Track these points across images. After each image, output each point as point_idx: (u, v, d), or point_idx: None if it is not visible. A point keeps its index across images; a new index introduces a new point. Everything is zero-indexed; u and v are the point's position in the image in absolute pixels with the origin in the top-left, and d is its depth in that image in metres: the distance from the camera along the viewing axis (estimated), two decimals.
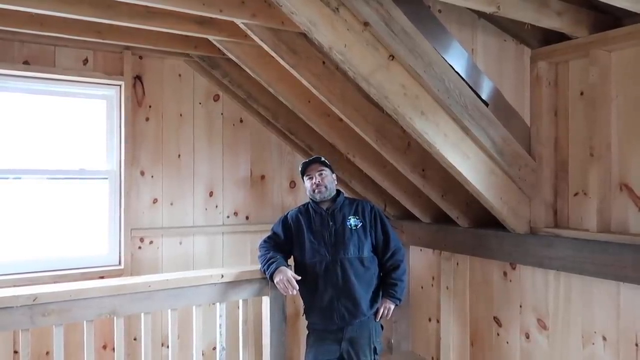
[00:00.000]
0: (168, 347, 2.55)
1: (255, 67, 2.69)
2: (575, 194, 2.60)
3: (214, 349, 3.35)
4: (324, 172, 2.63)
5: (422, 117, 2.29)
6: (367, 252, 2.59)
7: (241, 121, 3.51)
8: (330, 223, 2.58)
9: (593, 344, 2.49)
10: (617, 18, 2.40)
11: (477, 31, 2.46)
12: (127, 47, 3.08)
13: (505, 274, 2.94)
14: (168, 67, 3.32)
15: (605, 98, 2.41)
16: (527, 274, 2.81)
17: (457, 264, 3.25)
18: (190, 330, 2.56)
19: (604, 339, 2.45)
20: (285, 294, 2.48)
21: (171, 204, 3.36)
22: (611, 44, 2.35)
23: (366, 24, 2.05)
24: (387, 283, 2.69)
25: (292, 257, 2.74)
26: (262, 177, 3.58)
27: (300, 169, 2.71)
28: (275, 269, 2.45)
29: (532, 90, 2.69)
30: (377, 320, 2.67)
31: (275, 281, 2.45)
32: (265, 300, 2.48)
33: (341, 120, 2.89)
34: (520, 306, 2.86)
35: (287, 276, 2.42)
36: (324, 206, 2.66)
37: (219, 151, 3.48)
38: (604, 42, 2.36)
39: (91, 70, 3.09)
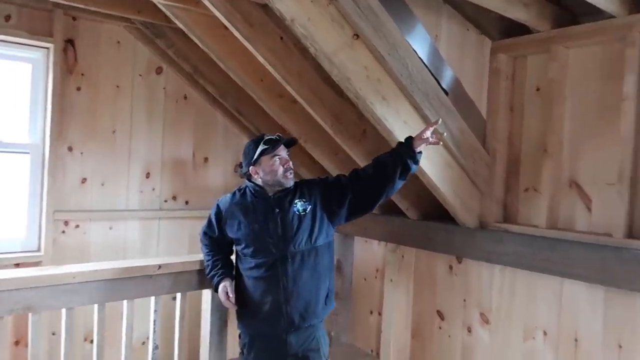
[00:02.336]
0: (92, 342, 2.28)
1: (205, 38, 2.47)
2: (526, 190, 2.62)
3: (143, 343, 3.11)
4: (288, 154, 2.22)
5: (383, 103, 2.19)
6: (321, 240, 2.17)
7: (185, 98, 3.27)
8: (276, 210, 2.13)
9: (534, 338, 2.53)
10: (575, 15, 2.41)
11: (442, 17, 2.39)
12: (58, 5, 2.74)
13: (451, 267, 2.93)
14: (106, 33, 3.01)
15: (560, 95, 2.43)
16: (472, 268, 2.81)
17: (403, 256, 3.21)
18: (117, 325, 2.30)
19: (545, 333, 2.48)
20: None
21: (102, 184, 3.07)
22: (570, 41, 2.36)
23: None
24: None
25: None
26: (206, 159, 3.36)
27: (261, 146, 2.12)
28: (218, 283, 2.17)
29: (490, 83, 2.67)
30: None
31: (218, 292, 2.21)
32: (206, 294, 2.25)
33: (295, 102, 2.74)
34: (464, 300, 2.86)
35: (227, 291, 2.15)
36: (270, 191, 2.19)
37: (159, 129, 3.22)
38: (565, 38, 2.37)
39: (14, 28, 2.73)
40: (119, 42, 3.03)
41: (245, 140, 3.39)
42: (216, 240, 2.28)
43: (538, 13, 2.32)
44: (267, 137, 2.13)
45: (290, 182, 2.16)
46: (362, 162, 2.74)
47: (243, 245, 2.15)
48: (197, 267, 2.21)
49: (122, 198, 3.10)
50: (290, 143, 2.20)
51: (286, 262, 2.08)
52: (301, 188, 2.22)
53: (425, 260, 3.09)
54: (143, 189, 3.16)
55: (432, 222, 2.95)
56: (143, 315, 2.36)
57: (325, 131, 2.69)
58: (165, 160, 3.22)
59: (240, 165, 2.30)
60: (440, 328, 3.00)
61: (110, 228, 3.05)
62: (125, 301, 2.02)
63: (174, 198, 3.26)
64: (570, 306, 2.39)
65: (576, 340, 2.37)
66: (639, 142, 2.17)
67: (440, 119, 2.21)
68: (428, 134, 2.13)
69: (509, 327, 2.63)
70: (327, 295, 2.22)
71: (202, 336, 2.23)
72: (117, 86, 3.05)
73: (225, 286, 2.15)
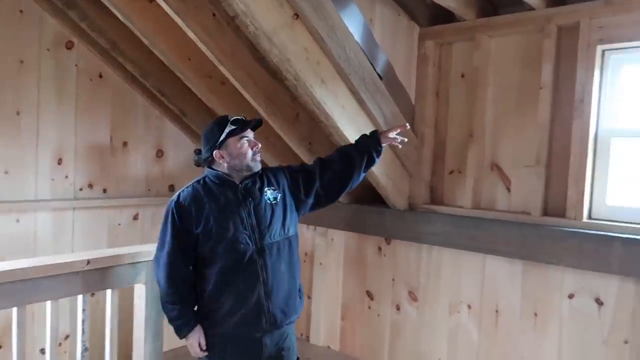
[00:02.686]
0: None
1: (127, 11, 2.27)
2: (451, 172, 2.75)
3: (60, 345, 2.87)
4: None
5: (322, 86, 2.17)
6: (292, 229, 2.05)
7: (100, 76, 3.00)
8: (249, 200, 1.95)
9: (459, 312, 2.68)
10: (496, 7, 2.55)
11: (376, 1, 2.40)
12: None
13: (380, 249, 3.01)
14: (6, 1, 2.66)
15: (484, 82, 2.56)
16: (401, 249, 2.91)
17: (332, 239, 3.24)
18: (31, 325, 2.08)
19: (469, 307, 2.64)
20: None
21: (6, 172, 2.74)
22: (493, 31, 2.49)
23: None
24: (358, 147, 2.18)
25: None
26: (125, 143, 3.12)
27: (228, 127, 1.92)
28: (188, 332, 1.93)
29: (418, 69, 2.75)
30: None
31: (187, 342, 1.97)
32: (140, 289, 2.08)
33: (224, 83, 2.63)
34: (393, 280, 2.96)
35: (198, 344, 1.94)
36: (237, 178, 1.98)
37: (71, 111, 2.93)
38: (488, 28, 2.50)
39: None
40: (21, 11, 2.70)
41: (167, 124, 3.22)
42: (181, 256, 1.92)
43: (465, 2, 2.41)
44: (233, 118, 1.94)
45: (258, 166, 2.00)
46: (295, 147, 2.71)
47: (214, 244, 1.89)
48: (129, 260, 2.01)
49: (31, 187, 2.79)
50: (258, 125, 2.01)
51: (264, 255, 1.92)
52: (267, 176, 2.06)
53: (354, 243, 3.15)
54: (54, 177, 2.87)
55: (363, 206, 3.01)
56: (61, 314, 2.16)
57: (256, 114, 2.62)
58: (79, 144, 2.94)
59: (198, 151, 2.05)
60: (369, 308, 3.08)
61: (17, 221, 2.74)
62: (49, 302, 1.80)
63: (90, 186, 3.00)
64: (492, 280, 2.56)
65: (497, 311, 2.55)
66: (554, 127, 2.35)
67: (409, 125, 2.28)
68: (394, 134, 2.19)
69: (436, 303, 2.77)
70: (299, 289, 2.12)
71: (136, 330, 2.07)
72: (21, 61, 2.73)
73: (198, 338, 1.93)
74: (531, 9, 2.33)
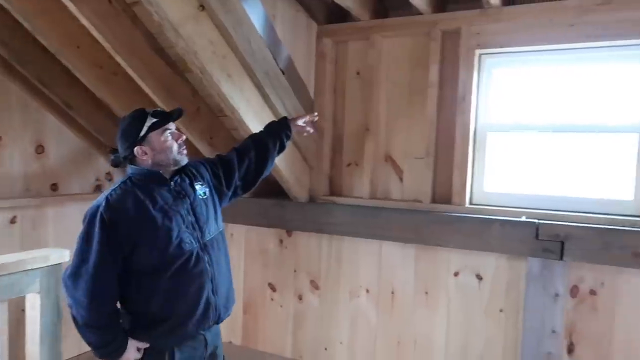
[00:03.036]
0: None
1: None
2: (348, 165, 2.89)
3: None
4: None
5: (228, 80, 2.16)
6: (221, 223, 2.01)
7: None
8: (184, 196, 1.84)
9: (358, 296, 2.85)
10: (387, 9, 2.73)
11: None
12: None
13: (281, 241, 3.07)
14: None
15: (377, 80, 2.73)
16: (302, 240, 3.00)
17: (232, 234, 3.23)
18: None
19: (367, 291, 2.82)
20: None
21: None
22: (386, 31, 2.67)
23: None
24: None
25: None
26: None
27: (148, 120, 1.77)
28: (122, 354, 1.73)
29: (317, 66, 2.84)
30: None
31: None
32: (33, 299, 1.86)
33: (116, 73, 2.48)
34: (295, 271, 3.04)
35: (136, 349, 1.76)
36: (166, 174, 1.84)
37: None
38: (382, 28, 2.67)
39: None
40: None
41: (50, 117, 2.93)
42: (109, 282, 1.69)
43: (361, 3, 2.55)
44: (152, 110, 1.80)
45: (185, 159, 1.86)
46: (195, 141, 2.65)
47: (162, 249, 1.73)
48: (21, 268, 1.79)
49: None
50: (180, 115, 1.86)
51: (208, 251, 1.84)
52: (191, 170, 1.95)
53: (255, 237, 3.17)
54: None
55: (263, 199, 3.03)
56: None
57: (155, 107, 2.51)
58: None
59: (113, 150, 1.89)
60: (272, 300, 3.13)
61: None
62: None
63: None
64: (388, 264, 2.76)
65: (393, 292, 2.75)
66: (440, 122, 2.59)
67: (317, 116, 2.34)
68: (302, 122, 2.24)
69: (337, 290, 2.91)
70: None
71: (29, 345, 1.86)
72: None
73: (135, 349, 1.75)
74: (419, 13, 2.54)
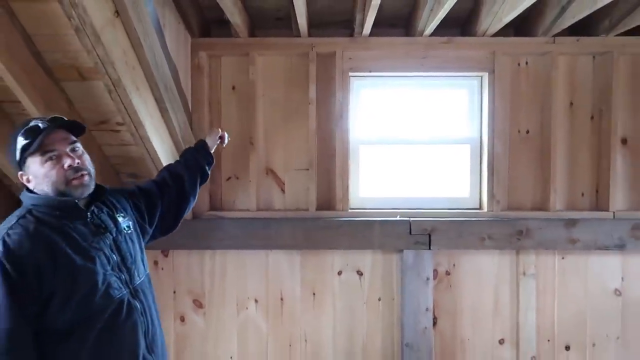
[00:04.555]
0: None
1: None
2: (228, 179, 2.90)
3: None
4: (76, 145, 1.53)
5: (137, 93, 1.99)
6: (147, 263, 1.72)
7: None
8: (104, 231, 1.52)
9: (247, 308, 2.88)
10: (268, 28, 2.84)
11: (166, 6, 2.32)
12: None
13: (156, 263, 2.89)
14: None
15: (255, 96, 2.83)
16: (181, 259, 2.88)
17: None
18: None
19: (256, 301, 2.88)
20: None
21: None
22: (264, 50, 2.79)
23: None
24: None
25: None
26: None
27: (21, 142, 1.43)
28: None
29: (193, 79, 2.78)
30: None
31: None
32: None
33: None
34: (174, 292, 2.89)
35: None
36: (80, 205, 1.51)
37: None
38: (260, 46, 2.78)
39: None
40: None
41: None
42: (28, 348, 1.31)
43: (242, 20, 2.61)
44: (27, 126, 1.43)
45: (84, 190, 1.50)
46: None
47: (84, 299, 1.38)
48: None
49: None
50: (67, 126, 1.50)
51: (139, 297, 1.53)
52: (108, 199, 1.65)
53: None
54: None
55: None
56: None
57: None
58: None
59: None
60: None
61: None
62: None
63: None
64: (275, 272, 2.87)
65: (282, 299, 2.88)
66: (320, 136, 2.84)
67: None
68: (216, 138, 2.26)
69: (223, 306, 2.88)
70: None
71: None
72: None
73: None
74: (298, 35, 2.74)
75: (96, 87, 2.03)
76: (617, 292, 2.85)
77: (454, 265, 2.86)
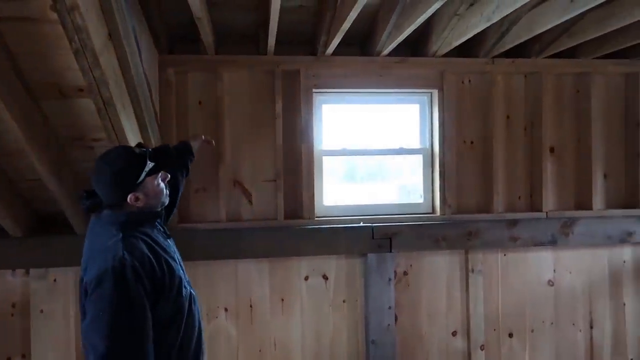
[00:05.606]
0: None
1: None
2: (196, 191, 2.96)
3: None
4: None
5: (124, 111, 2.04)
6: None
7: None
8: (170, 236, 1.84)
9: (217, 317, 2.96)
10: (237, 45, 2.94)
11: (140, 23, 2.36)
12: None
13: None
14: None
15: (223, 111, 2.93)
16: None
17: (55, 280, 2.83)
18: None
19: (226, 310, 2.97)
20: None
21: None
22: (232, 66, 2.90)
23: None
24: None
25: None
26: None
27: (147, 165, 1.65)
28: None
29: (161, 95, 2.82)
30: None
31: None
32: None
33: None
34: None
35: None
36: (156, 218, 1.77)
37: None
38: (227, 63, 2.89)
39: None
40: None
41: None
42: (151, 352, 1.50)
43: (209, 40, 2.68)
44: (143, 151, 1.66)
45: (164, 203, 1.79)
46: (46, 177, 2.29)
47: (176, 294, 1.62)
48: None
49: None
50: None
51: (192, 292, 1.81)
52: None
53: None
54: None
55: None
56: None
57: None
58: None
59: (89, 194, 1.67)
60: None
61: None
62: None
63: None
64: (244, 280, 2.98)
65: (251, 306, 2.99)
66: (286, 149, 2.98)
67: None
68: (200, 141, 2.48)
69: None
70: None
71: None
72: None
73: None
74: (264, 53, 2.87)
75: (78, 105, 2.05)
76: (551, 283, 3.24)
77: (411, 265, 3.11)
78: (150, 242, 1.62)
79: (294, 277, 3.02)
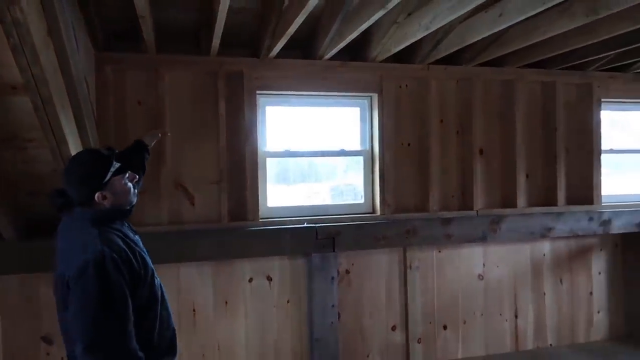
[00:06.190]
0: None
1: None
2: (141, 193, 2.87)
3: None
4: None
5: (63, 111, 1.95)
6: None
7: None
8: (136, 232, 1.90)
9: None
10: (177, 44, 2.88)
11: (76, 20, 2.26)
12: None
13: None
14: None
15: (163, 111, 2.86)
16: None
17: None
18: None
19: None
20: None
21: None
22: (173, 66, 2.85)
23: None
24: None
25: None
26: None
27: (114, 165, 1.68)
28: None
29: (98, 94, 2.72)
30: None
31: None
32: None
33: None
34: None
35: None
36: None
37: None
38: (168, 63, 2.84)
39: None
40: None
41: None
42: (133, 338, 1.57)
43: (150, 38, 2.62)
44: (109, 152, 1.70)
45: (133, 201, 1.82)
46: None
47: (151, 281, 1.70)
48: None
49: None
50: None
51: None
52: None
53: (18, 286, 2.70)
54: None
55: (34, 241, 2.63)
56: None
57: None
58: None
59: (60, 193, 1.70)
60: (48, 354, 2.75)
61: None
62: None
63: None
64: (187, 285, 2.93)
65: (194, 311, 2.94)
66: (230, 151, 2.97)
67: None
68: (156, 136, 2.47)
69: None
70: None
71: None
72: None
73: None
74: (207, 54, 2.85)
75: (11, 104, 1.94)
76: (480, 277, 3.46)
77: (352, 264, 3.20)
78: (123, 237, 1.69)
79: (238, 279, 3.01)
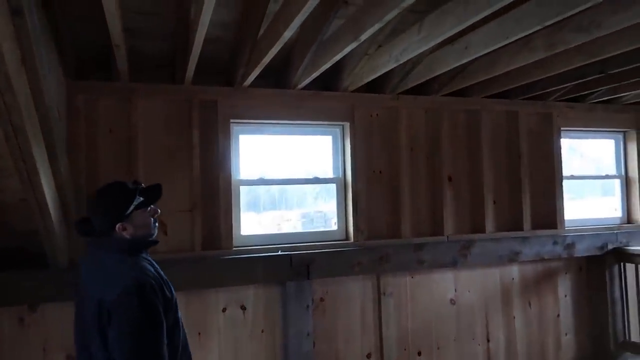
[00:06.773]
0: None
1: None
2: None
3: None
4: None
5: (35, 139, 1.92)
6: None
7: None
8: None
9: None
10: (153, 71, 2.89)
11: (49, 47, 2.24)
12: None
13: (22, 320, 2.64)
14: None
15: (135, 139, 2.84)
16: (53, 313, 2.68)
17: None
18: None
19: None
20: None
21: None
22: (147, 95, 2.85)
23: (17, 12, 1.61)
24: None
25: None
26: None
27: (136, 199, 1.78)
28: None
29: (69, 122, 2.68)
30: None
31: None
32: None
33: None
34: (44, 349, 2.67)
35: None
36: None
37: None
38: (142, 91, 2.84)
39: None
40: None
41: None
42: None
43: (124, 67, 2.61)
44: (135, 186, 1.80)
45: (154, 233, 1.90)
46: None
47: (174, 308, 1.80)
48: None
49: None
50: (161, 192, 1.92)
51: None
52: None
53: None
54: None
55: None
56: None
57: None
58: None
59: (83, 220, 1.83)
60: None
61: None
62: None
63: None
64: None
65: None
66: (203, 179, 2.96)
67: None
68: None
69: None
70: None
71: None
72: None
73: None
74: (181, 83, 2.86)
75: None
76: (452, 301, 3.51)
77: (327, 292, 3.19)
78: (152, 265, 1.83)
79: (212, 309, 2.96)
